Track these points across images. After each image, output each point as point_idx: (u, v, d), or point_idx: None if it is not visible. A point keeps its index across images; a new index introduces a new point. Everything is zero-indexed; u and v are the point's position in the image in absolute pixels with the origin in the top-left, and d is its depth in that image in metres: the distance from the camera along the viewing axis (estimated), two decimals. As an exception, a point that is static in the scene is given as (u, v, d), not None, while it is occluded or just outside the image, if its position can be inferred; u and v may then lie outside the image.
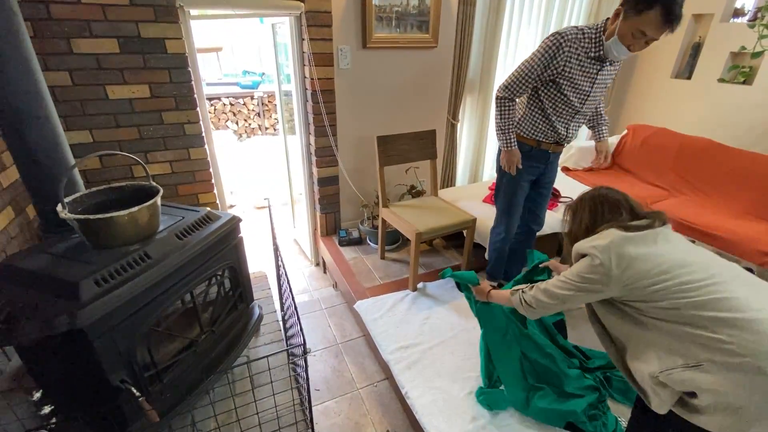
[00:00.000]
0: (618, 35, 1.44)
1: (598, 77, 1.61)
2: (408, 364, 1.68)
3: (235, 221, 1.39)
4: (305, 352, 0.96)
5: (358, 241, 2.61)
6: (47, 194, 1.19)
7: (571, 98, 1.63)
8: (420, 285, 2.17)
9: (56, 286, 0.93)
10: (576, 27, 1.55)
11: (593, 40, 1.53)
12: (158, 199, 1.14)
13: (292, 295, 1.15)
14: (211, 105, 4.35)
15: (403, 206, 2.27)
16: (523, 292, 1.26)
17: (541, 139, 1.77)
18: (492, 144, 3.20)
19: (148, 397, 1.05)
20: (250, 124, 4.63)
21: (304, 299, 2.45)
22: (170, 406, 1.15)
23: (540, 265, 1.55)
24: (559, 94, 1.64)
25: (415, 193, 2.60)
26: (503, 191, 1.94)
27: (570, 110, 1.68)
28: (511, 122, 1.72)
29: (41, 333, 0.84)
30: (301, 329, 0.99)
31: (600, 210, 1.16)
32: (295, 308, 1.09)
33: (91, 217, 0.99)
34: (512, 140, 1.74)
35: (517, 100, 1.74)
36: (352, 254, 2.51)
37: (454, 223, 2.09)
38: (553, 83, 1.62)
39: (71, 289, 0.91)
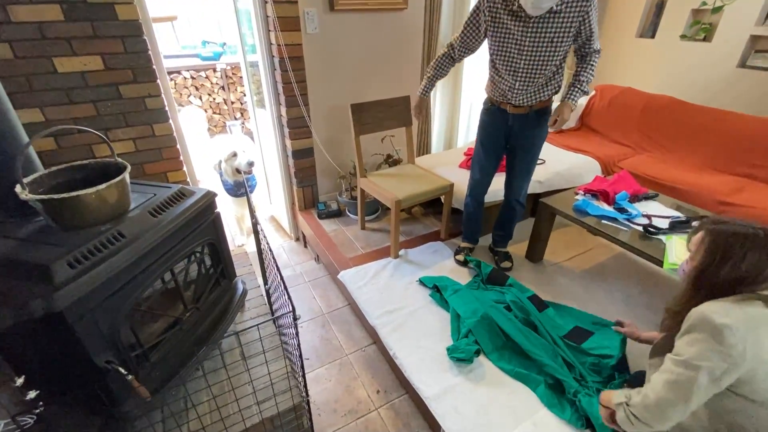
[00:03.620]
0: None
1: (530, 32, 1.53)
2: (394, 327, 1.73)
3: (210, 196, 1.35)
4: (295, 318, 0.97)
5: (338, 213, 2.60)
6: (1, 176, 1.11)
7: (507, 53, 1.63)
8: (401, 252, 2.20)
9: (26, 270, 0.89)
10: None
11: None
12: (126, 176, 1.09)
13: (277, 265, 1.14)
14: (171, 80, 4.10)
15: (380, 175, 2.27)
16: (627, 405, 1.01)
17: (494, 96, 1.80)
18: (465, 110, 3.20)
19: (136, 375, 1.04)
20: (215, 99, 4.41)
21: (287, 273, 2.44)
22: (161, 383, 1.14)
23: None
24: (496, 49, 1.66)
25: (392, 162, 2.59)
26: (474, 152, 1.99)
27: (509, 66, 1.64)
28: (435, 72, 1.79)
29: (17, 318, 0.81)
30: (289, 297, 1.00)
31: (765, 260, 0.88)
32: (281, 278, 1.09)
33: (56, 196, 0.94)
34: (427, 89, 1.83)
35: (457, 56, 1.78)
36: (332, 226, 2.50)
37: (432, 189, 2.11)
38: (491, 38, 1.66)
39: (43, 272, 0.87)
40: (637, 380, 1.28)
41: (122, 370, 0.98)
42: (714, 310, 0.87)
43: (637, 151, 2.88)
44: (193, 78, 4.22)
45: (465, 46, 1.74)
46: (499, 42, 1.63)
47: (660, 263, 1.56)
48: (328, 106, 2.45)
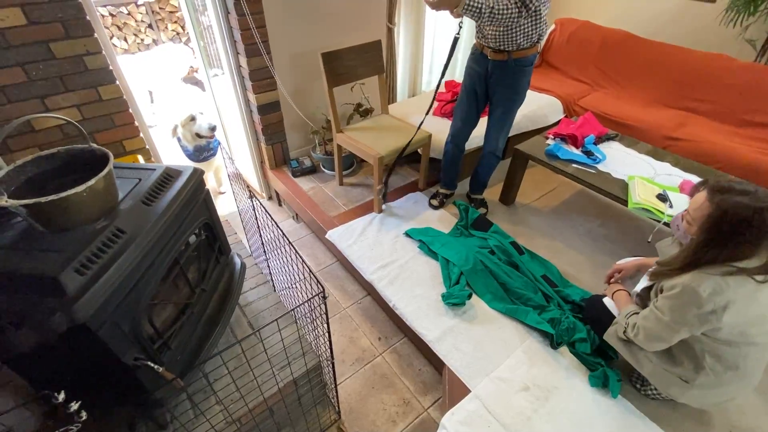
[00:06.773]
0: None
1: None
2: (390, 280, 1.82)
3: (198, 174, 1.26)
4: (325, 297, 1.00)
5: (312, 170, 2.53)
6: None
7: None
8: (384, 206, 2.24)
9: (30, 284, 0.82)
10: None
11: None
12: (111, 166, 0.98)
13: (295, 250, 1.14)
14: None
15: (357, 129, 2.20)
16: (624, 332, 1.20)
17: (479, 39, 1.78)
18: (428, 50, 3.08)
19: (164, 366, 1.04)
20: (143, 40, 3.83)
21: (268, 236, 2.40)
22: (185, 367, 1.16)
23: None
24: None
25: (363, 111, 2.50)
26: (458, 98, 1.99)
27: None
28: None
29: (40, 337, 0.76)
30: (316, 279, 1.02)
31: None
32: (304, 262, 1.09)
33: (43, 200, 0.84)
34: None
35: None
36: (309, 184, 2.45)
37: (413, 142, 2.10)
38: None
39: (52, 284, 0.81)
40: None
41: (152, 365, 0.98)
42: (700, 283, 0.96)
43: (594, 88, 3.00)
44: (112, 15, 3.60)
45: None
46: None
47: (624, 203, 1.74)
48: (291, 54, 2.25)
